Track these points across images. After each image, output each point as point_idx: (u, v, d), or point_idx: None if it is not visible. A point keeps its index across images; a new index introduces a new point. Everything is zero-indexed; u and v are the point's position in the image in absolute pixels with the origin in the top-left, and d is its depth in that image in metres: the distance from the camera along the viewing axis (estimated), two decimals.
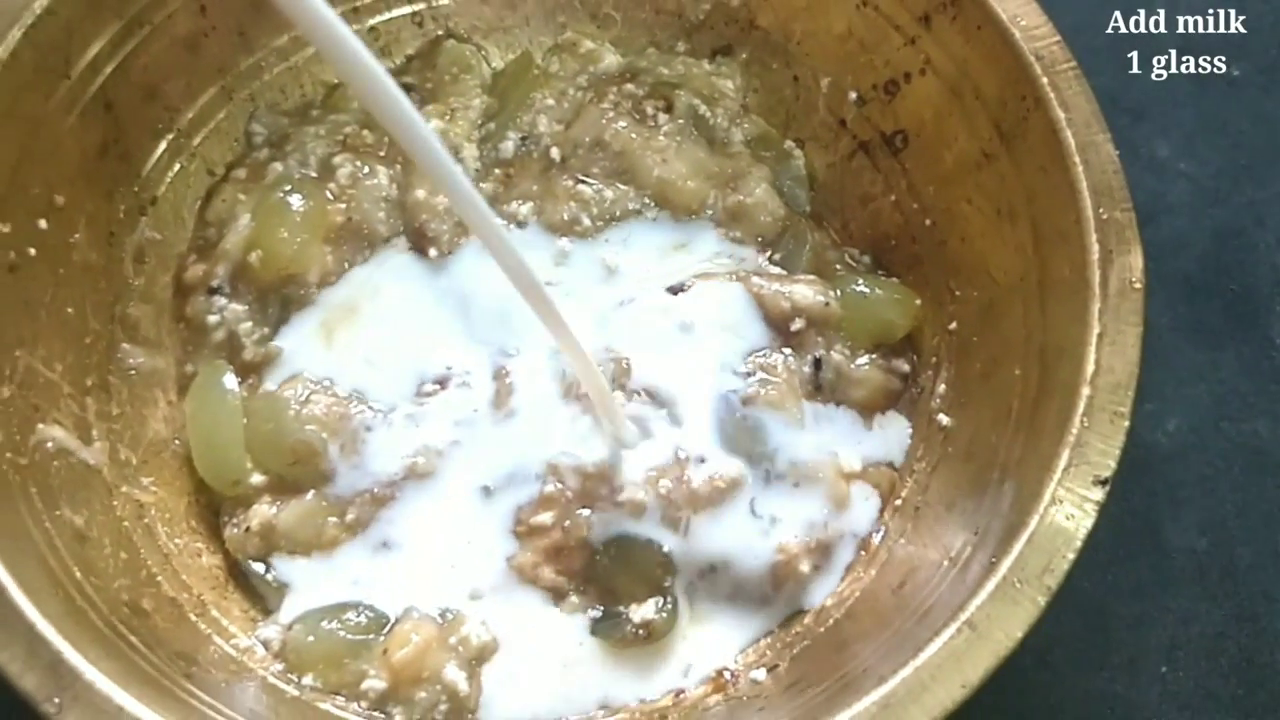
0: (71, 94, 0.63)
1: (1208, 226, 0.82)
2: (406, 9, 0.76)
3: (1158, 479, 0.74)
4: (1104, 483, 0.52)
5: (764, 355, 0.66)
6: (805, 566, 0.62)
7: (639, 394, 0.64)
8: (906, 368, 0.68)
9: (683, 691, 0.61)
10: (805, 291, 0.67)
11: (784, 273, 0.70)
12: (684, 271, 0.69)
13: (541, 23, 0.77)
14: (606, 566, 0.62)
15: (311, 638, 0.60)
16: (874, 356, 0.68)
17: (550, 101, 0.73)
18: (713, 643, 0.62)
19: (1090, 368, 0.54)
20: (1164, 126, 0.85)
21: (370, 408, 0.65)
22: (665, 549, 0.62)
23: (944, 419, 0.65)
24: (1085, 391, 0.54)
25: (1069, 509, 0.51)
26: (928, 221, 0.69)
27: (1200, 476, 0.74)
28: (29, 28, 0.60)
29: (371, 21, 0.76)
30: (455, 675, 0.59)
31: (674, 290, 0.67)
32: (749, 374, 0.65)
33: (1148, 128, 0.85)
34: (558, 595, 0.62)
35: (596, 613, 0.62)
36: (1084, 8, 0.88)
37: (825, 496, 0.63)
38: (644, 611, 0.61)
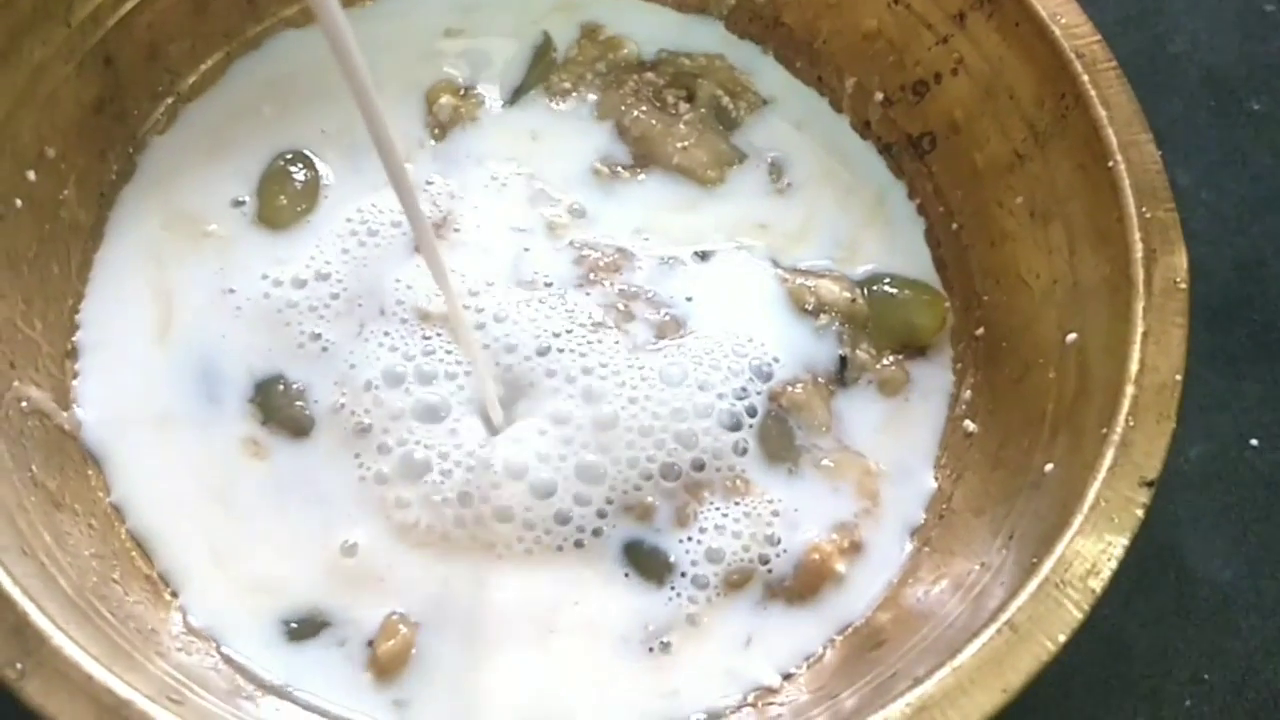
0: (70, 44, 0.60)
1: (1229, 256, 0.80)
2: None
3: (1180, 506, 0.71)
4: (1150, 484, 0.49)
5: (789, 347, 0.63)
6: (841, 567, 0.59)
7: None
8: (932, 370, 0.65)
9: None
10: (831, 287, 0.64)
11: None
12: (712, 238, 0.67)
13: None
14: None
15: None
16: (900, 357, 0.65)
17: (568, 85, 0.71)
18: (744, 650, 0.57)
19: (1135, 366, 0.51)
20: (1185, 154, 0.84)
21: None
22: (671, 558, 0.58)
23: (970, 425, 0.62)
24: (1130, 390, 0.51)
25: (1114, 510, 0.48)
26: (954, 225, 0.67)
27: (1223, 505, 0.71)
28: None
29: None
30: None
31: (702, 255, 0.65)
32: (774, 363, 0.62)
33: (1170, 155, 0.83)
34: None
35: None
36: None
37: (854, 496, 0.60)
38: None
